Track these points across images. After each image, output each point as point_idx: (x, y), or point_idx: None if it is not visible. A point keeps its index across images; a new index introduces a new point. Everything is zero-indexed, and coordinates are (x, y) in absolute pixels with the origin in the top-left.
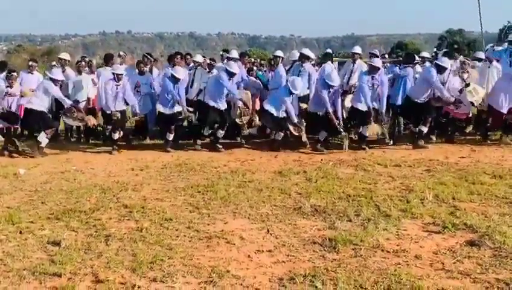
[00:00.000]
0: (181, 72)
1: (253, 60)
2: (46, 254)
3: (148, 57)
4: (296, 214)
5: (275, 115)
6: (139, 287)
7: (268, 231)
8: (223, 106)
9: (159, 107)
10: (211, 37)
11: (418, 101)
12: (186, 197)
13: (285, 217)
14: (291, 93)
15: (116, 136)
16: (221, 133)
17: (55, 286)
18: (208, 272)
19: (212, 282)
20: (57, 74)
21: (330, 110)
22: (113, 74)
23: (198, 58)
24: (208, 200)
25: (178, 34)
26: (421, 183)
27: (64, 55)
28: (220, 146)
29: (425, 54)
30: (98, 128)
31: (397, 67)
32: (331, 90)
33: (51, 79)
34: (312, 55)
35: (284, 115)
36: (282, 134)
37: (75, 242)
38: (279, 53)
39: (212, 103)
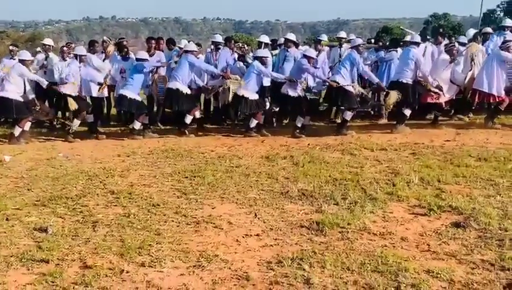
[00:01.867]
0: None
1: (240, 44)
2: (33, 241)
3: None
4: (283, 198)
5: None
6: (127, 272)
7: (256, 215)
8: (188, 90)
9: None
10: (196, 22)
11: (403, 81)
12: (174, 182)
13: (273, 201)
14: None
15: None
16: (189, 118)
17: (43, 272)
18: (196, 256)
19: (201, 266)
20: (25, 54)
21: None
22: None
23: (183, 43)
24: (195, 186)
25: (163, 19)
26: (406, 167)
27: (48, 41)
28: (187, 132)
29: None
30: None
31: (382, 52)
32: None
33: (20, 60)
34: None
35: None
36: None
37: (63, 228)
38: (263, 38)
39: (178, 86)
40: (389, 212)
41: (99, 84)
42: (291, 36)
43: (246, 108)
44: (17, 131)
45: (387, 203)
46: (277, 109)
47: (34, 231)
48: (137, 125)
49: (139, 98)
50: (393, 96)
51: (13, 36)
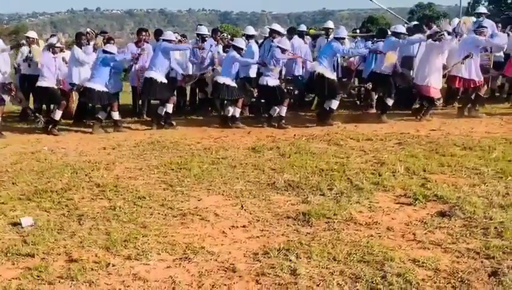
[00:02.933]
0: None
1: (225, 35)
2: (18, 235)
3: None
4: (269, 189)
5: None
6: (113, 265)
7: (242, 206)
8: (164, 79)
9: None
10: (182, 14)
11: (381, 73)
12: (160, 175)
13: (259, 192)
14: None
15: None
16: (170, 107)
17: (28, 266)
18: (182, 248)
19: (187, 259)
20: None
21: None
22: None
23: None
24: (181, 178)
25: (148, 10)
26: (392, 157)
27: (31, 34)
28: (173, 122)
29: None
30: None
31: (369, 42)
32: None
33: None
34: (282, 30)
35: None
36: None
37: (48, 222)
38: (249, 30)
39: (153, 76)
40: (375, 202)
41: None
42: (277, 26)
43: (227, 94)
44: None
45: (373, 193)
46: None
47: (19, 225)
48: (115, 115)
49: (106, 90)
50: (391, 57)
51: None
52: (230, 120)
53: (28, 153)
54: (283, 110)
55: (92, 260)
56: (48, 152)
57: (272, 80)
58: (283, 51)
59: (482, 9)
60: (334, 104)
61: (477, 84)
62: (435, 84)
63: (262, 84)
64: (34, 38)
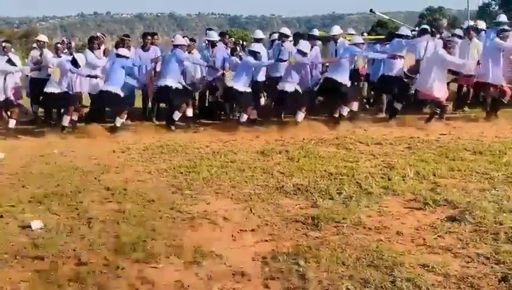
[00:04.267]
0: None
1: (233, 39)
2: (28, 238)
3: (127, 38)
4: (278, 193)
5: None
6: (122, 268)
7: (251, 210)
8: (179, 85)
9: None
10: (191, 18)
11: (392, 75)
12: (169, 178)
13: (268, 196)
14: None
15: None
16: (177, 114)
17: (38, 269)
18: (191, 252)
19: (196, 262)
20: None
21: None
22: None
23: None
24: (190, 181)
25: (157, 14)
26: (402, 161)
27: (42, 37)
28: (173, 127)
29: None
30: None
31: (378, 45)
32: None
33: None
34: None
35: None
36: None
37: (57, 225)
38: (258, 34)
39: (167, 83)
40: (385, 206)
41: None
42: (286, 30)
43: (236, 100)
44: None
45: (382, 198)
46: (272, 104)
47: (29, 228)
48: (118, 122)
49: (121, 93)
50: (410, 59)
51: (7, 33)
52: (238, 124)
53: (38, 156)
54: (300, 116)
55: (102, 263)
56: (58, 155)
57: (290, 86)
58: (303, 54)
59: (503, 17)
60: (346, 110)
61: (499, 88)
62: (438, 90)
63: (281, 90)
64: (44, 42)
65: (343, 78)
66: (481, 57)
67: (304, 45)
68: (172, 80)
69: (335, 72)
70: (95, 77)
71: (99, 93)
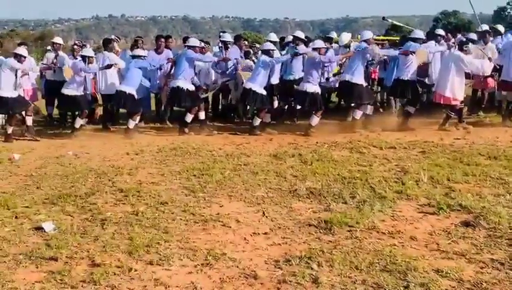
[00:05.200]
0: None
1: (247, 43)
2: (42, 239)
3: (141, 39)
4: (291, 196)
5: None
6: (135, 270)
7: (264, 213)
8: (191, 86)
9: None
10: (205, 21)
11: (404, 78)
12: (182, 180)
13: (281, 199)
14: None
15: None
16: (189, 117)
17: (52, 270)
18: (204, 254)
19: (209, 265)
20: (21, 50)
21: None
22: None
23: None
24: (203, 184)
25: (172, 17)
26: (416, 165)
27: (58, 40)
28: (187, 130)
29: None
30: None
31: (391, 49)
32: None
33: (15, 55)
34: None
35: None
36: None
37: (71, 226)
38: (271, 37)
39: (179, 84)
40: (398, 211)
41: None
42: (300, 34)
43: (252, 101)
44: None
45: (396, 202)
46: (286, 107)
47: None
48: (131, 124)
49: (136, 95)
50: (422, 54)
51: (23, 35)
52: (249, 128)
53: (53, 157)
54: (314, 120)
55: (115, 265)
56: (72, 157)
57: (311, 86)
58: (320, 50)
59: None
60: (359, 114)
61: None
62: (455, 92)
63: (302, 90)
64: (60, 44)
65: (357, 78)
66: (501, 58)
67: (319, 43)
68: (184, 81)
69: (350, 74)
70: (109, 67)
71: (114, 93)
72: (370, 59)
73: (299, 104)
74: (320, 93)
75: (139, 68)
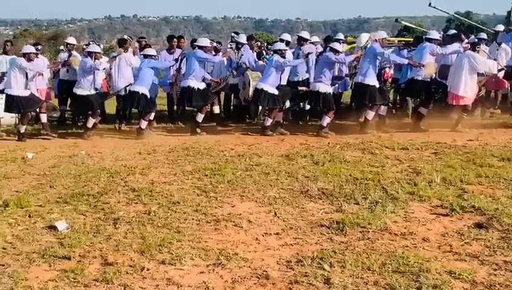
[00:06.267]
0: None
1: (259, 43)
2: (55, 237)
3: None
4: (303, 197)
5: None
6: (147, 269)
7: (275, 214)
8: (201, 85)
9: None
10: (217, 21)
11: (419, 78)
12: (194, 180)
13: (293, 200)
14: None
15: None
16: (200, 116)
17: (65, 268)
18: (216, 254)
19: (221, 264)
20: (28, 48)
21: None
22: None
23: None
24: (215, 184)
25: (184, 18)
26: (428, 166)
27: (71, 40)
28: (199, 130)
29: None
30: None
31: (405, 50)
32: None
33: (24, 54)
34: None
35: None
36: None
37: (84, 225)
38: (285, 36)
39: (189, 84)
40: (411, 212)
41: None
42: (305, 34)
43: (264, 101)
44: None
45: (408, 203)
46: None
47: (54, 228)
48: (143, 124)
49: (149, 94)
50: (430, 67)
51: (36, 34)
52: (261, 129)
53: (66, 157)
54: (326, 120)
55: (127, 264)
56: (85, 156)
57: (324, 86)
58: (336, 52)
59: None
60: (371, 114)
61: None
62: (468, 91)
63: (314, 90)
64: (73, 44)
65: (370, 80)
66: None
67: (336, 44)
68: (195, 81)
69: (362, 76)
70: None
71: (128, 93)
72: (382, 60)
73: (310, 104)
74: (332, 93)
75: (152, 68)
